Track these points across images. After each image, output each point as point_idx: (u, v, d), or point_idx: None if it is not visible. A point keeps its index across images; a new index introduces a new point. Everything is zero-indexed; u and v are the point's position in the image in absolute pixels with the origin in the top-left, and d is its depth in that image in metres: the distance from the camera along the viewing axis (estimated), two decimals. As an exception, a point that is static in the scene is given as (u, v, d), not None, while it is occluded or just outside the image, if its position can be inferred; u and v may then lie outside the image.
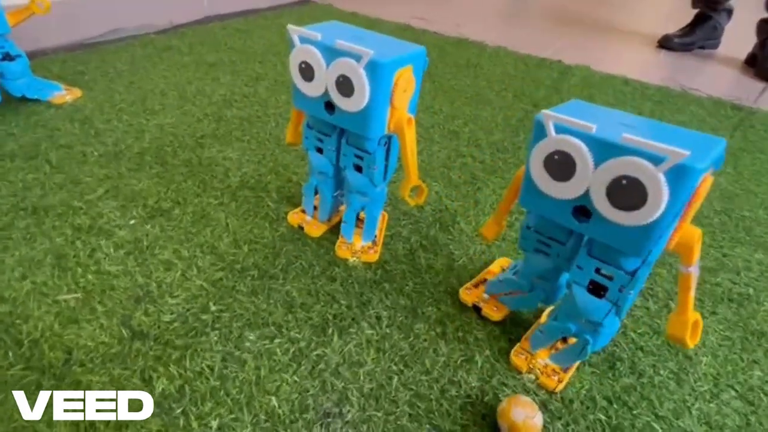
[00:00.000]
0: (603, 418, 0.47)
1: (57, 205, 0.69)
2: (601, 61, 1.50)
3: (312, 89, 0.54)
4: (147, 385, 0.46)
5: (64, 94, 1.00)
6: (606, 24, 2.02)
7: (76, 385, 0.45)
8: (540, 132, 0.40)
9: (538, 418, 0.42)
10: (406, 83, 0.51)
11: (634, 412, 0.48)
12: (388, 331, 0.54)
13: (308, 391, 0.47)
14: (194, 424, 0.43)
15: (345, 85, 0.50)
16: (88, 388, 0.45)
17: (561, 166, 0.40)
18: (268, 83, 1.14)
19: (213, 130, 0.93)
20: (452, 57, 1.44)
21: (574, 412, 0.47)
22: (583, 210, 0.41)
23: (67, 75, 1.11)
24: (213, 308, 0.55)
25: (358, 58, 0.48)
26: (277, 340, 0.52)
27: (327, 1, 1.94)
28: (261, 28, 1.55)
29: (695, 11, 1.71)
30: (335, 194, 0.66)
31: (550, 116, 0.39)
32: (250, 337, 0.52)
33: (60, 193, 0.71)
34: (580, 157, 0.38)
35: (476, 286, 0.60)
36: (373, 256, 0.64)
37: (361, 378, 0.49)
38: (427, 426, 0.45)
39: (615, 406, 0.48)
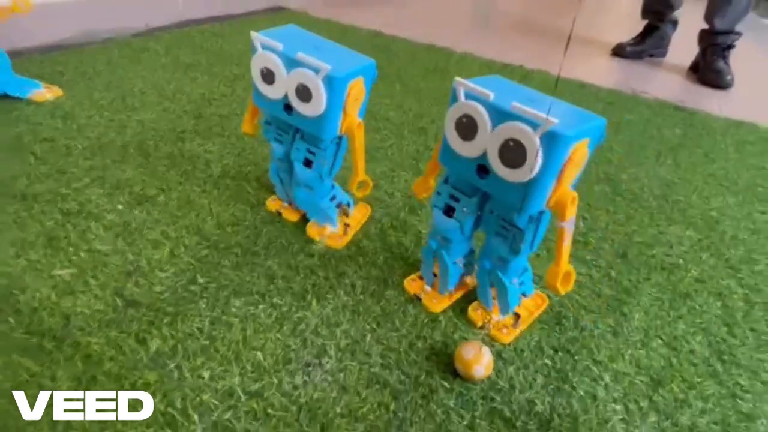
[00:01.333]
0: (549, 363, 0.54)
1: (45, 193, 0.72)
2: (559, 66, 1.61)
3: (272, 92, 0.59)
4: (142, 345, 0.51)
5: (44, 92, 1.03)
6: (565, 34, 2.15)
7: (76, 346, 0.49)
8: (454, 96, 0.48)
9: (485, 349, 0.50)
10: (357, 93, 0.58)
11: (576, 357, 0.55)
12: (361, 297, 0.60)
13: (290, 347, 0.52)
14: (187, 375, 0.48)
15: (304, 93, 0.56)
16: (87, 347, 0.49)
17: (467, 127, 0.47)
18: (246, 83, 1.19)
19: (193, 125, 0.97)
20: (421, 62, 1.52)
21: (524, 359, 0.54)
22: (483, 168, 0.48)
23: (46, 75, 1.13)
24: (200, 280, 0.60)
25: (316, 70, 0.54)
26: (260, 306, 0.57)
27: (302, 8, 2.00)
28: (237, 33, 1.60)
29: (645, 22, 1.86)
30: None
31: (462, 84, 0.46)
32: (236, 304, 0.57)
33: (47, 182, 0.75)
34: (480, 120, 0.45)
35: (421, 277, 0.63)
36: (339, 244, 0.68)
37: (338, 335, 0.54)
38: (397, 372, 0.51)
39: (560, 353, 0.56)
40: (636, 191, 0.92)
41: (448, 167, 0.53)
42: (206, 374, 0.48)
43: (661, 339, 0.59)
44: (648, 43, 1.86)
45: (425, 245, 0.60)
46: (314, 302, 0.58)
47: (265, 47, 0.57)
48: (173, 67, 1.26)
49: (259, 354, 0.51)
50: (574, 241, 0.74)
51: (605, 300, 0.64)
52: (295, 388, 0.48)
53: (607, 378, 0.53)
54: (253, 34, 0.57)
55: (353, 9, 2.14)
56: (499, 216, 0.51)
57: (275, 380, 0.49)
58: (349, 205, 0.72)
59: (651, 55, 1.89)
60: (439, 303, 0.60)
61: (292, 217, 0.72)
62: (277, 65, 0.56)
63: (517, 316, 0.58)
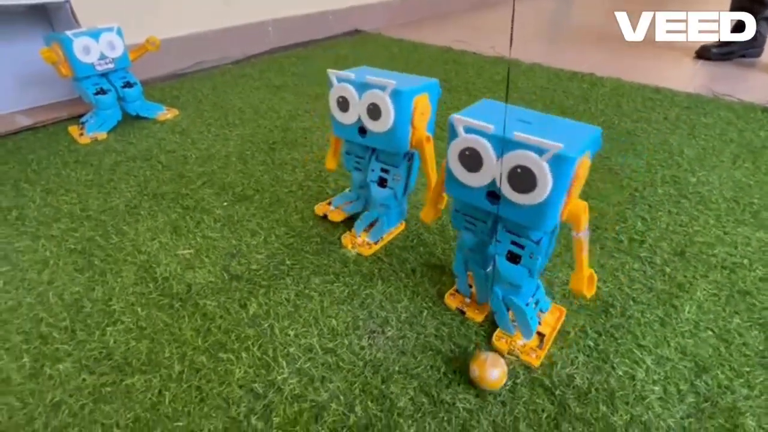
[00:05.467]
0: (592, 344, 0.59)
1: (169, 192, 0.90)
2: (633, 72, 1.59)
3: (347, 118, 0.67)
4: (243, 308, 0.63)
5: (166, 113, 1.25)
6: (643, 41, 2.08)
7: (196, 306, 0.63)
8: (453, 132, 0.49)
9: (497, 363, 0.52)
10: (423, 107, 0.64)
11: (619, 341, 0.59)
12: (421, 280, 0.69)
13: (359, 317, 0.62)
14: (277, 332, 0.60)
15: (374, 111, 0.64)
16: (204, 308, 0.63)
17: (471, 159, 0.49)
18: (326, 101, 1.33)
19: (282, 137, 1.13)
20: (489, 73, 1.59)
21: (569, 339, 0.59)
22: (493, 194, 0.50)
23: (166, 99, 1.36)
24: (288, 262, 0.72)
25: (383, 88, 0.62)
26: (335, 284, 0.68)
27: (376, 30, 2.16)
28: (319, 56, 1.78)
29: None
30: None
31: (459, 120, 0.48)
32: (316, 281, 0.68)
33: (171, 184, 0.93)
34: (484, 152, 0.48)
35: (457, 291, 0.66)
36: (368, 251, 0.74)
37: (399, 310, 0.63)
38: (449, 343, 0.59)
39: (603, 337, 0.60)
40: (704, 193, 0.91)
41: (457, 197, 0.54)
42: (292, 333, 0.60)
43: (713, 331, 0.61)
44: (737, 44, 1.76)
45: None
46: (380, 282, 0.68)
47: (340, 80, 0.66)
48: (265, 89, 1.45)
49: (333, 321, 0.62)
50: (630, 239, 0.77)
51: (656, 293, 0.66)
52: (362, 348, 0.58)
53: (648, 361, 0.56)
54: (329, 71, 0.67)
55: (424, 28, 2.26)
56: (514, 233, 0.52)
57: (346, 341, 0.59)
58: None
59: (743, 56, 1.78)
60: (481, 312, 0.63)
61: (337, 218, 0.80)
62: (351, 92, 0.65)
63: (541, 336, 0.59)
